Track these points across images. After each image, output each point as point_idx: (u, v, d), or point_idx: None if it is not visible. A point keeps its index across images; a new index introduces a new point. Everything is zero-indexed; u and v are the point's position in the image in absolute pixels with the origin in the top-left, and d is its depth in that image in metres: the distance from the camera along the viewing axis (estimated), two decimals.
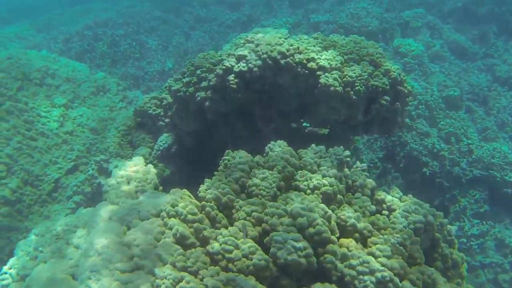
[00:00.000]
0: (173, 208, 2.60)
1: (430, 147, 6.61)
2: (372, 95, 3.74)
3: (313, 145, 3.16)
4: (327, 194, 2.70)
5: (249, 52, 3.55)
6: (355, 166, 3.19)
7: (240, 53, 3.59)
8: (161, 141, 4.48)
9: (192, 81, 3.87)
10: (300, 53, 3.63)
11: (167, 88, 4.26)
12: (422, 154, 6.60)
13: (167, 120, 4.44)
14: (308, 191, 2.72)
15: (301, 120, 4.25)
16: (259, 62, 3.47)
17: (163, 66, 9.48)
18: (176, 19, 11.65)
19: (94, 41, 9.49)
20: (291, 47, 3.59)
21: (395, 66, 3.86)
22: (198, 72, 3.82)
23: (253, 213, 2.57)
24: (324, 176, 2.80)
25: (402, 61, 8.25)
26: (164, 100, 4.43)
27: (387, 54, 8.34)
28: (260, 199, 2.66)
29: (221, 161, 3.06)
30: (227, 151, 3.08)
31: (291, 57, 3.51)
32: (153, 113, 4.46)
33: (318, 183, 2.71)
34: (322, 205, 2.57)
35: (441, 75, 8.34)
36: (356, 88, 3.53)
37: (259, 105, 4.02)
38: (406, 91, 4.01)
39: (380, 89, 3.68)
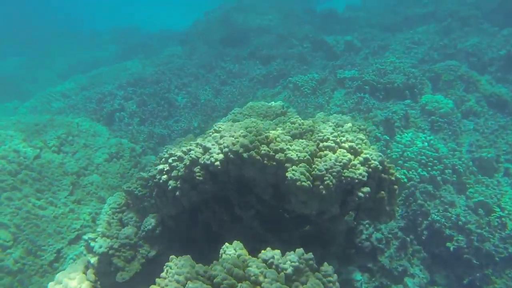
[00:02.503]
0: None
1: (454, 219, 5.99)
2: (347, 187, 3.46)
3: (267, 249, 2.93)
4: None
5: (212, 145, 3.46)
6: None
7: (205, 144, 3.50)
8: (146, 222, 4.45)
9: (165, 169, 3.84)
10: (268, 143, 3.47)
11: (149, 171, 4.26)
12: (445, 226, 6.00)
13: (152, 201, 4.42)
14: None
15: (281, 207, 4.03)
16: (221, 156, 3.35)
17: (189, 125, 9.67)
18: (207, 75, 11.99)
19: (125, 100, 9.97)
20: (258, 137, 3.44)
21: (376, 154, 3.56)
22: (170, 160, 3.79)
23: None
24: None
25: (429, 120, 7.75)
26: (150, 181, 4.43)
27: (413, 112, 7.95)
28: None
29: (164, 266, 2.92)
30: (171, 256, 2.93)
31: (256, 150, 3.36)
32: (139, 194, 4.47)
33: None
34: None
35: (475, 134, 7.69)
36: (325, 182, 3.28)
37: (235, 192, 3.88)
38: (393, 178, 3.67)
39: (356, 180, 3.39)
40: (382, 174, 3.59)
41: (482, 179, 6.71)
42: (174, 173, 3.75)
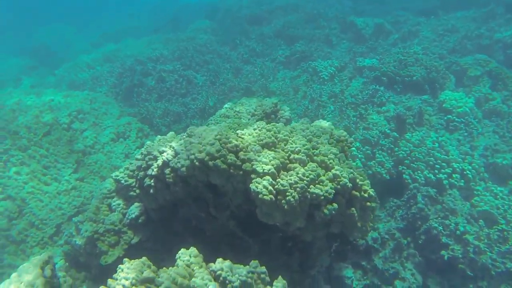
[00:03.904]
0: None
1: (452, 228, 5.80)
2: (313, 202, 3.41)
3: (218, 260, 2.99)
4: None
5: (181, 150, 3.49)
6: None
7: (175, 147, 3.54)
8: (131, 211, 4.61)
9: (142, 166, 3.93)
10: (237, 152, 3.46)
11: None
12: (442, 234, 5.83)
13: (138, 191, 4.56)
14: None
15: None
16: (187, 163, 3.38)
17: (205, 104, 9.72)
18: (230, 53, 11.89)
19: (144, 76, 10.12)
20: (228, 145, 3.43)
21: (347, 170, 3.46)
22: (147, 158, 3.87)
23: None
24: None
25: (445, 119, 7.37)
26: (136, 172, 4.55)
27: (429, 109, 7.59)
28: None
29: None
30: (124, 259, 3.04)
31: (222, 158, 3.35)
32: (125, 183, 4.61)
33: None
34: None
35: (494, 137, 7.26)
36: (288, 198, 3.25)
37: (210, 192, 3.92)
38: (365, 195, 3.59)
39: (322, 197, 3.33)
40: (353, 191, 3.50)
41: (491, 187, 6.39)
42: (149, 172, 3.84)
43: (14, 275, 3.03)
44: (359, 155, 6.79)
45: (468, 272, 5.67)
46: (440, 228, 5.82)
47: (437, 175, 6.41)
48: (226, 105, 4.98)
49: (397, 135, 6.90)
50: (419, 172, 6.50)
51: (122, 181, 4.62)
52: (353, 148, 6.82)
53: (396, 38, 11.23)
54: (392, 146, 6.85)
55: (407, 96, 7.94)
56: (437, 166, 6.47)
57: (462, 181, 6.40)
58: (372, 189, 3.66)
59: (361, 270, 5.91)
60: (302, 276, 4.60)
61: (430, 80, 8.00)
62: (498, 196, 6.29)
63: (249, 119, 4.38)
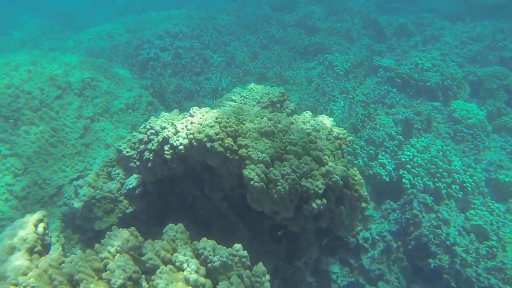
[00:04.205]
0: None
1: (443, 238, 5.84)
2: (303, 195, 3.48)
3: (202, 239, 3.09)
4: None
5: (182, 128, 3.57)
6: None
7: (177, 126, 3.62)
8: (129, 181, 4.74)
9: (144, 140, 4.03)
10: (236, 137, 3.53)
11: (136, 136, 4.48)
12: (432, 242, 5.87)
13: (137, 163, 4.67)
14: None
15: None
16: (185, 141, 3.47)
17: (218, 85, 9.77)
18: (249, 37, 11.86)
19: (161, 50, 10.18)
20: (227, 129, 3.50)
21: (340, 168, 3.52)
22: (148, 133, 3.96)
23: None
24: None
25: (453, 128, 7.33)
26: (137, 144, 4.66)
27: (438, 117, 7.54)
28: None
29: None
30: (113, 226, 3.16)
31: (220, 141, 3.43)
32: (126, 154, 4.73)
33: None
34: None
35: (500, 153, 7.21)
36: (278, 187, 3.32)
37: (206, 172, 4.02)
38: (356, 195, 3.64)
39: (312, 191, 3.40)
40: (344, 189, 3.56)
41: (489, 203, 6.38)
42: (149, 146, 3.94)
43: (9, 228, 3.18)
44: (362, 154, 6.81)
45: (452, 283, 5.72)
46: (431, 236, 5.85)
47: (437, 184, 6.42)
48: (234, 89, 5.04)
49: (402, 139, 6.90)
50: (418, 178, 6.51)
51: (124, 152, 4.73)
52: (357, 146, 6.85)
53: (417, 41, 11.08)
54: (396, 149, 6.85)
55: (418, 100, 7.89)
56: (437, 174, 6.47)
57: (461, 193, 6.40)
58: (365, 189, 3.71)
59: (348, 267, 6.01)
60: (288, 265, 4.70)
61: (444, 88, 7.92)
62: (494, 213, 6.30)
63: (254, 106, 4.43)
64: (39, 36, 13.10)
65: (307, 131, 3.72)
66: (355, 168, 3.96)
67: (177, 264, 2.89)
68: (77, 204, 4.82)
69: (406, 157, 6.68)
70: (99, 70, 7.57)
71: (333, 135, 3.79)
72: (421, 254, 5.97)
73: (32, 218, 3.16)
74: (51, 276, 2.82)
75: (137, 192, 4.70)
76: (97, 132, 6.55)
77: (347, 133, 3.89)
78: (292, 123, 3.84)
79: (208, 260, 3.00)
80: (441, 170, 6.48)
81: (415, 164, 6.60)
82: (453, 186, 6.41)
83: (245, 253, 3.13)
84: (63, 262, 2.91)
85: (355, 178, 3.61)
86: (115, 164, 5.07)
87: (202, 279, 2.81)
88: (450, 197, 6.40)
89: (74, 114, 6.53)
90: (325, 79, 9.02)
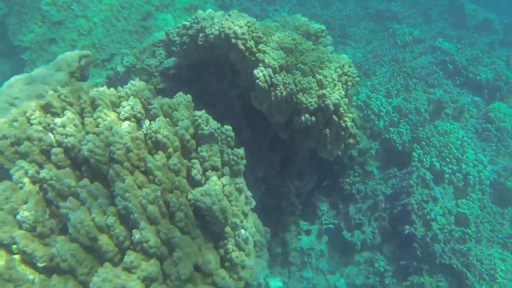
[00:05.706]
0: None
1: (426, 212, 6.21)
2: (297, 108, 3.99)
3: (202, 110, 3.73)
4: None
5: (217, 22, 4.11)
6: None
7: (214, 19, 4.17)
8: (166, 62, 5.43)
9: (187, 26, 4.63)
10: (258, 42, 4.04)
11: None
12: (414, 212, 6.26)
13: (178, 48, 5.32)
14: None
15: None
16: (216, 32, 4.03)
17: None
18: None
19: None
20: (253, 34, 4.01)
21: (335, 97, 3.95)
22: (193, 21, 4.55)
23: None
24: None
25: (483, 126, 7.36)
26: (182, 30, 5.27)
27: (473, 111, 7.54)
28: None
29: None
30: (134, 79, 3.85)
31: (243, 41, 3.96)
32: (172, 38, 5.37)
33: None
34: None
35: None
36: (277, 91, 3.85)
37: (230, 68, 4.57)
38: (343, 124, 4.10)
39: (304, 105, 3.90)
40: (334, 116, 4.03)
41: (484, 200, 6.59)
42: (189, 31, 4.54)
43: (60, 56, 3.99)
44: (385, 118, 7.09)
45: (418, 253, 6.17)
46: (416, 206, 6.23)
47: (443, 167, 6.65)
48: (283, 14, 5.43)
49: (428, 117, 7.08)
50: (428, 156, 6.76)
51: (171, 36, 5.38)
52: (383, 109, 7.11)
53: (495, 39, 10.62)
54: (418, 124, 7.07)
55: (462, 91, 7.89)
56: (447, 159, 6.67)
57: (462, 182, 6.62)
58: (352, 124, 4.15)
59: (335, 211, 6.55)
60: (278, 176, 5.29)
61: (494, 87, 7.83)
62: (485, 210, 6.51)
63: (290, 30, 4.86)
64: None
65: (322, 58, 4.16)
66: (355, 109, 4.40)
67: (174, 119, 3.56)
68: (120, 68, 5.62)
69: (424, 134, 6.90)
70: None
71: (343, 71, 4.20)
72: (402, 220, 6.39)
73: (78, 52, 3.93)
74: (80, 95, 3.59)
75: (170, 72, 5.40)
76: (158, 20, 7.24)
77: (356, 74, 4.27)
78: (313, 49, 4.27)
79: (200, 127, 3.65)
80: (451, 156, 6.68)
81: (430, 143, 6.81)
82: (457, 174, 6.63)
83: (232, 134, 3.74)
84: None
85: (347, 110, 4.05)
86: (162, 45, 5.76)
87: (188, 136, 3.48)
88: (451, 183, 6.65)
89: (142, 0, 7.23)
90: (382, 44, 9.11)
